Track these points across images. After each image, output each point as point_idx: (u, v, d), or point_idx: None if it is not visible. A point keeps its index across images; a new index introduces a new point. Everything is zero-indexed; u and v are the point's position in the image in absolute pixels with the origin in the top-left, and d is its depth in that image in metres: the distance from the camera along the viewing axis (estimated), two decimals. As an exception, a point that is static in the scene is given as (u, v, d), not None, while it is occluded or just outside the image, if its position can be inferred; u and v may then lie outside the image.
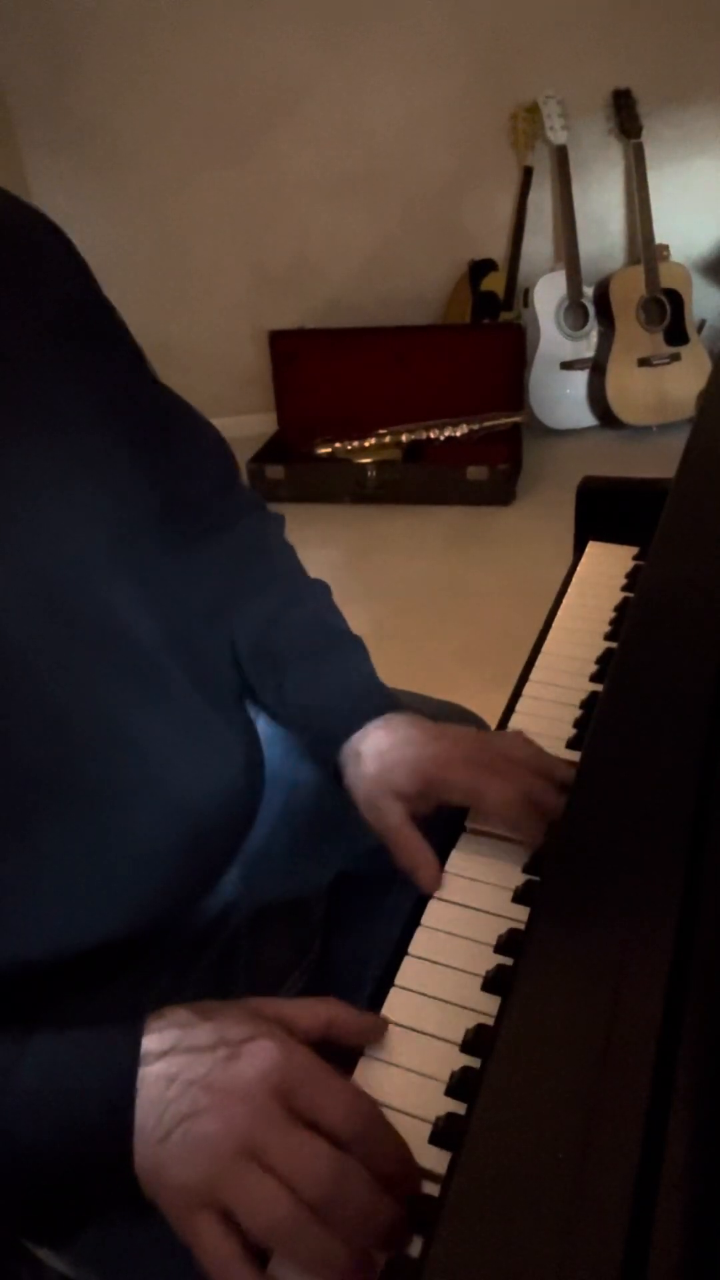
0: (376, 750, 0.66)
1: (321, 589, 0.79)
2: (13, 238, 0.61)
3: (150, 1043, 0.46)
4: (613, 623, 0.88)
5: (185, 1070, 0.44)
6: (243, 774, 0.70)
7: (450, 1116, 0.47)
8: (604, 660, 0.82)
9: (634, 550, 0.99)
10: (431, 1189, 0.45)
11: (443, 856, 0.64)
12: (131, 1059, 0.45)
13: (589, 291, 2.92)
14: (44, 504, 0.58)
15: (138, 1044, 0.46)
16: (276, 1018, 0.48)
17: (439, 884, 0.62)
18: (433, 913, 0.60)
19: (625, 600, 0.91)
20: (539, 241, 3.03)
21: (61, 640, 0.58)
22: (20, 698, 0.56)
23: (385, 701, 0.70)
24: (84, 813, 0.59)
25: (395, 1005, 0.54)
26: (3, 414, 0.57)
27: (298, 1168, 0.42)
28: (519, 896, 0.60)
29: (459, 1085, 0.49)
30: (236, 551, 0.77)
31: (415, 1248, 0.43)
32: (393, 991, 0.55)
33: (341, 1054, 0.51)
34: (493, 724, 0.80)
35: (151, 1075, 0.44)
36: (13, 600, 0.56)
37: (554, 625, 0.89)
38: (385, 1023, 0.52)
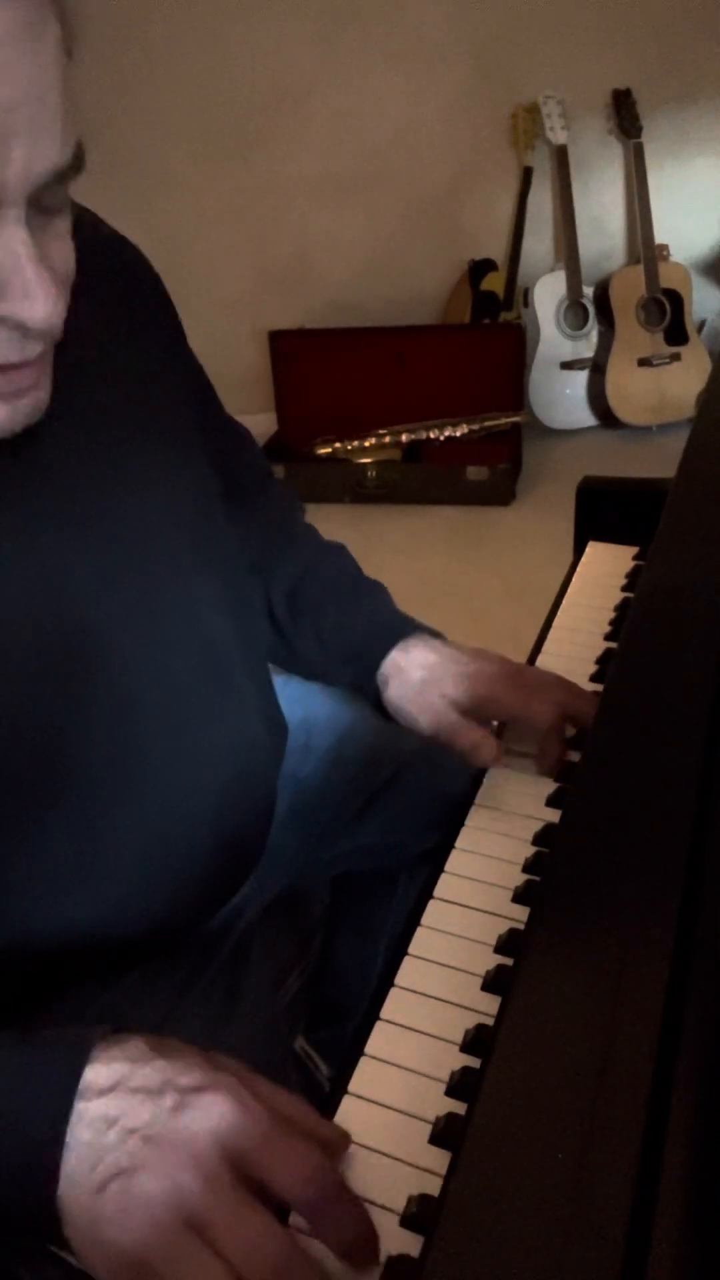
0: (421, 664, 0.73)
1: (344, 549, 0.85)
2: (117, 261, 0.66)
3: (94, 1074, 0.42)
4: (613, 623, 0.88)
5: (127, 1115, 0.40)
6: (274, 775, 0.71)
7: (450, 1116, 0.47)
8: (604, 660, 0.83)
9: (634, 550, 0.99)
10: (432, 1189, 0.45)
11: (442, 859, 0.64)
12: (67, 1092, 0.41)
13: (589, 291, 2.92)
14: (146, 500, 0.60)
15: (77, 1075, 0.42)
16: (241, 1079, 0.44)
17: (499, 756, 0.69)
18: (433, 913, 0.60)
19: (625, 600, 0.91)
20: (539, 241, 3.03)
21: (146, 630, 0.59)
22: (100, 684, 0.57)
23: (415, 625, 0.77)
24: (144, 802, 0.60)
25: (395, 1005, 0.54)
26: (119, 418, 0.60)
27: (243, 1247, 0.38)
28: (519, 896, 0.60)
29: (459, 1085, 0.49)
30: (270, 523, 0.83)
31: (415, 1248, 0.43)
32: (393, 991, 0.55)
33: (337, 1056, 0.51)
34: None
35: (90, 1114, 0.41)
36: (107, 588, 0.57)
37: (554, 625, 0.89)
38: (347, 1137, 0.47)
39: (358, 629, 0.77)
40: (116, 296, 0.63)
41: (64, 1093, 0.41)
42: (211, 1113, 0.41)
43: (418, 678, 0.72)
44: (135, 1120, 0.41)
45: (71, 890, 0.58)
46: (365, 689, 0.77)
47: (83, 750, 0.56)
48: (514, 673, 0.72)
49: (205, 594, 0.64)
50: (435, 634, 0.77)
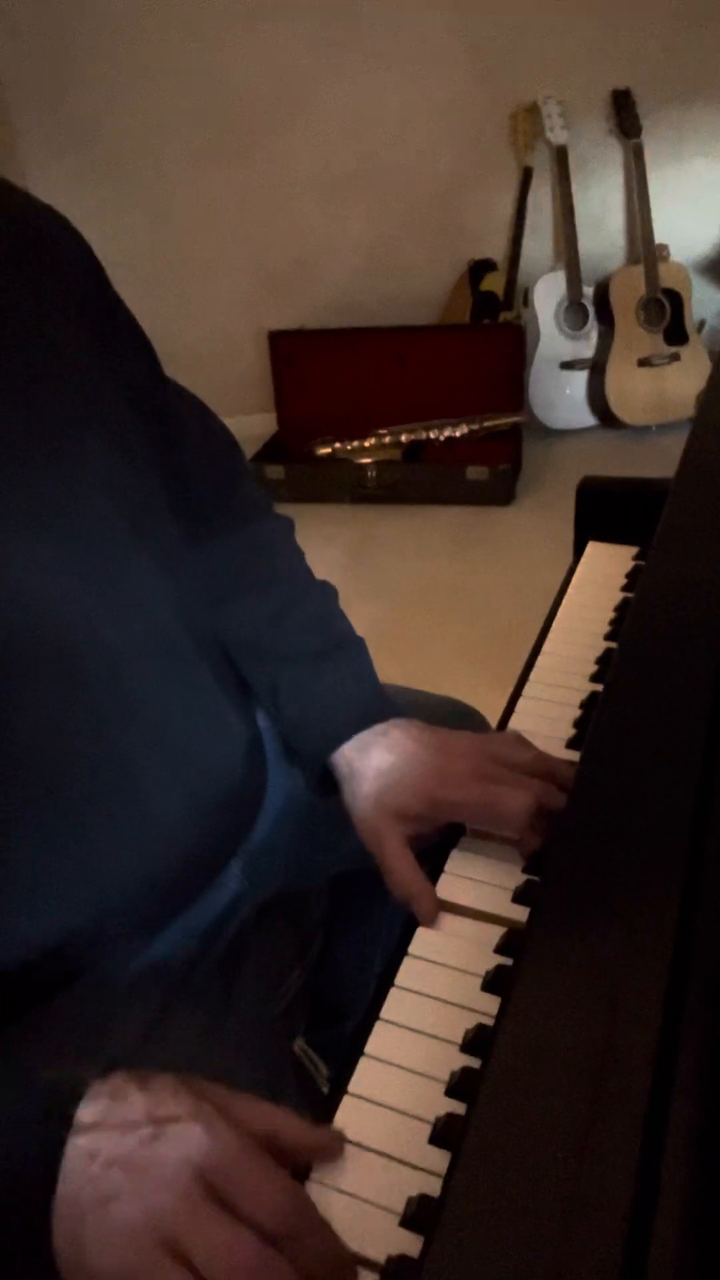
0: (377, 769, 0.64)
1: (326, 591, 0.78)
2: (32, 233, 0.63)
3: (83, 1113, 0.44)
4: (613, 623, 0.88)
5: (108, 1147, 0.42)
6: (245, 750, 0.70)
7: (450, 1116, 0.47)
8: (604, 660, 0.82)
9: (634, 550, 0.99)
10: (432, 1189, 0.45)
11: (442, 855, 0.64)
12: (59, 1136, 0.43)
13: (589, 291, 2.93)
14: (75, 476, 0.60)
15: (69, 1118, 0.43)
16: (221, 1107, 0.45)
17: (435, 917, 0.59)
18: (433, 913, 0.60)
19: (625, 600, 0.91)
20: (539, 241, 3.03)
21: (89, 603, 0.59)
22: (48, 657, 0.57)
23: (380, 709, 0.68)
24: (102, 780, 0.60)
25: (395, 1005, 0.54)
26: (46, 392, 0.59)
27: (216, 1259, 0.40)
28: (519, 896, 0.60)
29: (459, 1085, 0.49)
30: (239, 551, 0.78)
31: (415, 1248, 0.43)
32: (393, 991, 0.55)
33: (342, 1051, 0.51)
34: (493, 723, 0.80)
35: (77, 1150, 0.42)
36: (46, 559, 0.57)
37: (554, 625, 0.89)
38: (341, 1138, 0.48)
39: (313, 705, 0.69)
40: (36, 270, 0.62)
41: (56, 1137, 0.43)
42: (185, 1140, 0.42)
43: (369, 790, 0.64)
44: (115, 1152, 0.42)
45: (41, 878, 0.58)
46: (309, 768, 0.69)
47: (33, 725, 0.56)
48: (479, 763, 0.63)
49: (143, 570, 0.63)
50: (399, 712, 0.68)
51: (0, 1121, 0.44)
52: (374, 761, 0.65)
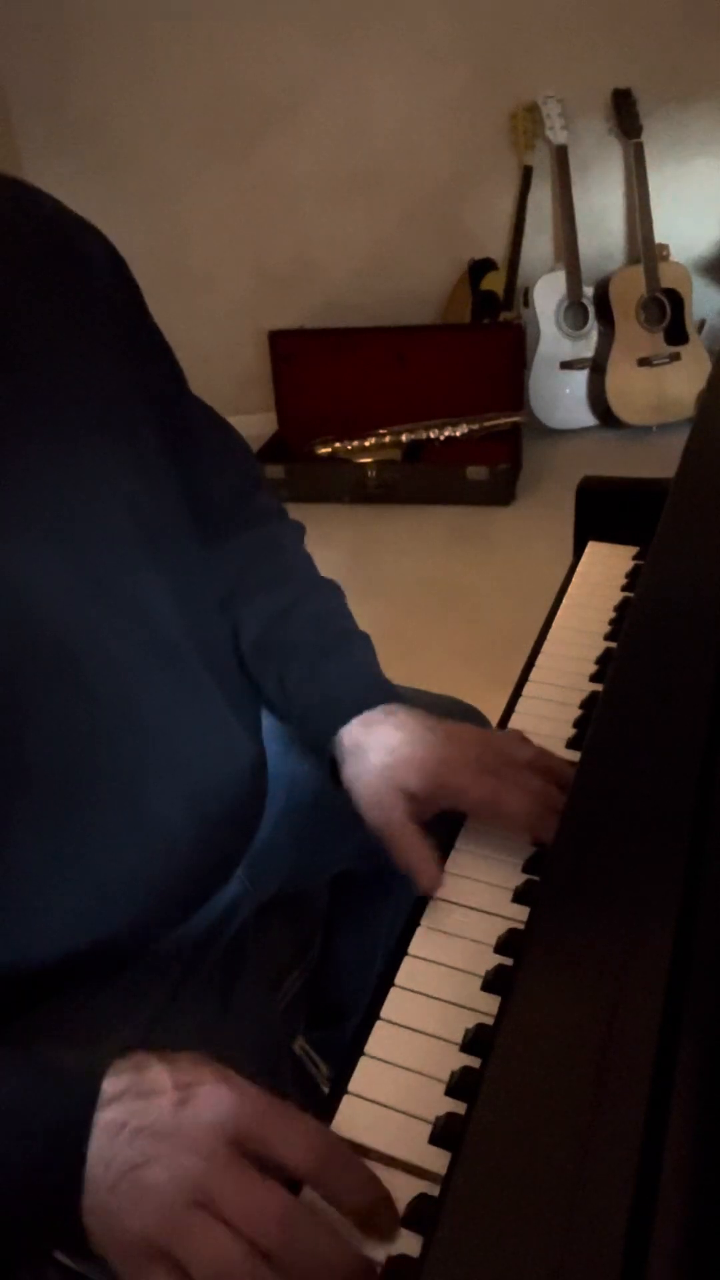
0: (384, 745, 0.65)
1: (334, 590, 0.79)
2: (62, 241, 0.64)
3: (107, 1085, 0.44)
4: (613, 623, 0.88)
5: (135, 1116, 0.43)
6: (250, 764, 0.71)
7: (450, 1116, 0.47)
8: (604, 660, 0.82)
9: (634, 550, 0.99)
10: (432, 1189, 0.45)
11: (442, 858, 0.64)
12: (88, 1106, 0.43)
13: (589, 291, 2.92)
14: (91, 489, 0.60)
15: (96, 1091, 0.44)
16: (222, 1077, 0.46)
17: (439, 884, 0.60)
18: (432, 913, 0.60)
19: (625, 600, 0.91)
20: (539, 241, 3.03)
21: (95, 617, 0.59)
22: (54, 670, 0.57)
23: (386, 694, 0.69)
24: (107, 793, 0.60)
25: (395, 1005, 0.54)
26: (66, 404, 0.60)
27: (249, 1214, 0.40)
28: (519, 896, 0.60)
29: (459, 1085, 0.49)
30: (250, 551, 0.79)
31: (415, 1248, 0.43)
32: (393, 991, 0.55)
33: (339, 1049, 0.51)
34: (493, 723, 0.80)
35: (103, 1121, 0.43)
36: (54, 572, 0.57)
37: (554, 625, 0.89)
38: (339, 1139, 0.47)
39: (319, 689, 0.70)
40: (65, 279, 0.63)
41: (82, 1114, 0.43)
42: (211, 1101, 0.43)
43: (376, 763, 0.64)
44: (143, 1120, 0.43)
45: (44, 889, 0.58)
46: (319, 752, 0.70)
47: (39, 736, 0.56)
48: (485, 756, 0.64)
49: (152, 583, 0.64)
50: (404, 700, 0.69)
51: (27, 1105, 0.45)
52: (381, 737, 0.65)
